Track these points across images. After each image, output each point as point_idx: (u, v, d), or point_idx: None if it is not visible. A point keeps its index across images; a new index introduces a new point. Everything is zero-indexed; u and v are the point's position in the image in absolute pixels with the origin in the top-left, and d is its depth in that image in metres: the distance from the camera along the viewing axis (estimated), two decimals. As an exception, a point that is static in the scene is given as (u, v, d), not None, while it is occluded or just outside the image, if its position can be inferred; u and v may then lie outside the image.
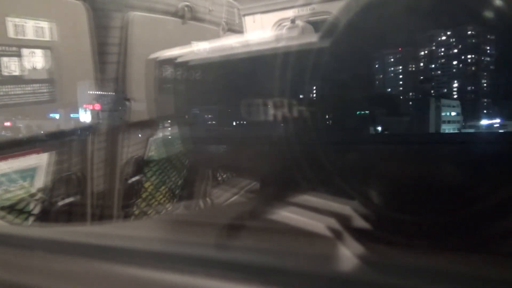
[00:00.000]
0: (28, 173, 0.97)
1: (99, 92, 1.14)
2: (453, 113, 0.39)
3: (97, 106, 1.15)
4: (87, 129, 1.11)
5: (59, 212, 1.05)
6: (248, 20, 2.03)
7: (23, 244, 0.50)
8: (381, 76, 0.42)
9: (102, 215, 1.15)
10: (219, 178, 1.67)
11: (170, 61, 0.60)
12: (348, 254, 0.37)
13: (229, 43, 0.90)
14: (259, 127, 0.49)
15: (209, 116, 0.57)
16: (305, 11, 1.70)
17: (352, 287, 0.34)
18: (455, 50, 0.39)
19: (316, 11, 1.62)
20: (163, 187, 1.40)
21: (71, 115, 1.09)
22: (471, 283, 0.32)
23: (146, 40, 1.17)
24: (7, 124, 0.95)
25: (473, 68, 0.38)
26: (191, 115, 0.59)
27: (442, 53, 0.39)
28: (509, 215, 0.34)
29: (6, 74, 0.90)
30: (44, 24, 0.97)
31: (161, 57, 0.63)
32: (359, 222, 0.41)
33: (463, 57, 0.38)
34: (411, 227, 0.38)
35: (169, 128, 1.29)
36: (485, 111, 0.37)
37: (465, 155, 0.37)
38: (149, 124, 1.27)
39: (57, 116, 1.04)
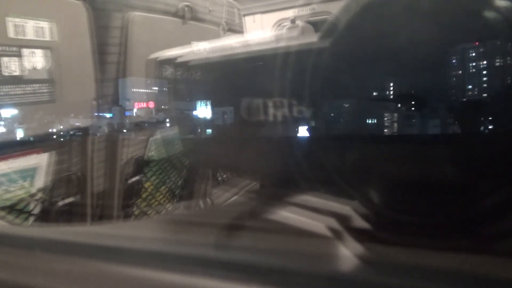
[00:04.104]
0: (28, 173, 0.97)
1: (99, 92, 1.14)
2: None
3: (151, 104, 1.14)
4: (87, 129, 1.11)
5: (59, 212, 1.05)
6: (248, 20, 2.03)
7: (23, 244, 0.50)
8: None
9: (102, 215, 1.16)
10: (219, 178, 1.67)
11: (170, 61, 0.60)
12: (348, 254, 0.37)
13: (229, 43, 0.90)
14: (259, 127, 0.49)
15: (209, 116, 0.57)
16: (305, 11, 1.70)
17: (352, 287, 0.34)
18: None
19: (316, 11, 1.62)
20: (163, 187, 1.40)
21: (71, 115, 1.09)
22: (471, 283, 0.32)
23: (146, 40, 1.17)
24: (8, 124, 0.95)
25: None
26: (191, 115, 0.59)
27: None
28: (509, 215, 0.34)
29: (6, 74, 0.90)
30: (44, 24, 0.97)
31: (161, 57, 0.63)
32: (359, 222, 0.41)
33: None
34: (411, 227, 0.38)
35: (169, 128, 1.29)
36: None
37: (465, 155, 0.37)
38: (149, 124, 1.27)
39: (57, 116, 1.04)
